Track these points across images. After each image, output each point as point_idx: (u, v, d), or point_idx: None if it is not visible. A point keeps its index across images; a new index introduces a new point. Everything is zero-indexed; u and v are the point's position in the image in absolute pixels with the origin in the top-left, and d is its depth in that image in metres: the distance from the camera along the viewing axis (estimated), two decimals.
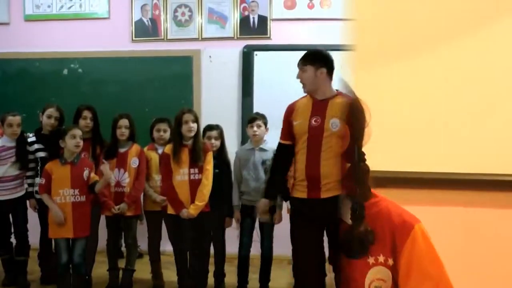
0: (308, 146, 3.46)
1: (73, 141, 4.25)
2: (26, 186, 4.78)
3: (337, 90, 3.54)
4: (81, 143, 4.32)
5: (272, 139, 4.64)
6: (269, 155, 4.55)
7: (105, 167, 4.35)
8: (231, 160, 4.81)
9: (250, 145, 4.71)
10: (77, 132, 4.32)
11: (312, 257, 3.55)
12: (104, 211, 4.66)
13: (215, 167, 4.55)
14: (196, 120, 4.39)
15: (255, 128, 4.61)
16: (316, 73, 3.48)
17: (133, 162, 4.67)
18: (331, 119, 3.40)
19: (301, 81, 3.54)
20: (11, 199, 4.67)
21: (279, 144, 3.72)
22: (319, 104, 3.49)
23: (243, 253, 4.65)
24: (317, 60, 3.51)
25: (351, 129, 3.24)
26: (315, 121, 3.45)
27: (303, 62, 3.53)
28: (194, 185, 4.33)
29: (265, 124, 4.64)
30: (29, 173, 4.75)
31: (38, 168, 4.69)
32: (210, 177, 4.37)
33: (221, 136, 4.74)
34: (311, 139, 3.45)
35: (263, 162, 4.59)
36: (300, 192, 3.52)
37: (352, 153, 3.16)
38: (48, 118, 4.72)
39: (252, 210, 4.60)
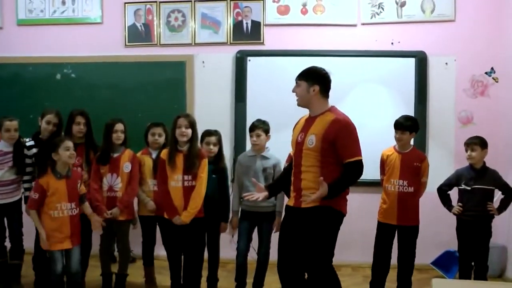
0: (294, 160, 3.69)
1: (67, 152, 4.23)
2: (22, 190, 4.78)
3: (330, 106, 3.67)
4: (75, 154, 4.32)
5: (267, 144, 4.68)
6: (270, 163, 4.58)
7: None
8: (228, 166, 4.84)
9: (252, 152, 4.72)
10: (70, 144, 4.29)
11: (288, 264, 3.70)
12: None
13: (212, 173, 4.57)
14: (191, 126, 4.36)
15: (254, 138, 4.62)
16: (309, 89, 3.61)
17: (126, 167, 4.67)
18: (310, 136, 3.56)
19: (295, 95, 3.68)
20: (6, 203, 4.68)
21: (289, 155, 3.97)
22: (309, 121, 3.67)
23: (239, 260, 4.65)
24: (311, 77, 3.64)
25: (335, 144, 3.47)
26: (300, 137, 3.64)
27: (298, 77, 3.67)
28: (188, 191, 4.33)
29: (266, 131, 4.63)
30: (26, 177, 4.74)
31: (36, 172, 4.70)
32: (203, 184, 4.36)
33: (219, 142, 4.75)
34: (295, 154, 3.68)
35: (264, 170, 4.60)
36: (290, 201, 3.73)
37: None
38: (47, 124, 4.72)
39: (250, 215, 4.63)
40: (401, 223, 4.56)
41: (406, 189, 4.56)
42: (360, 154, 3.53)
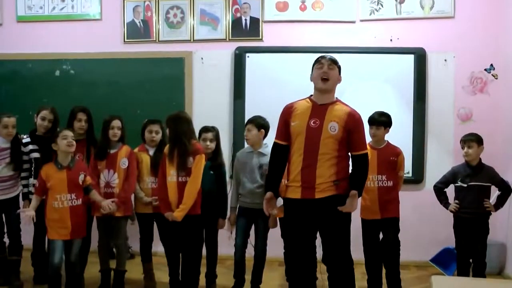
0: (305, 147, 3.57)
1: (64, 141, 4.26)
2: (21, 187, 4.79)
3: (336, 98, 3.70)
4: (74, 143, 4.33)
5: (265, 141, 4.67)
6: (266, 160, 4.53)
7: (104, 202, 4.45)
8: (226, 162, 4.84)
9: (250, 148, 4.71)
10: (68, 133, 4.33)
11: (304, 258, 3.64)
12: (94, 212, 4.65)
13: (210, 169, 4.56)
14: (167, 124, 4.41)
15: (245, 133, 4.64)
16: (339, 77, 3.68)
17: (123, 163, 4.66)
18: (330, 123, 3.53)
19: (326, 76, 3.61)
20: (4, 199, 4.68)
21: (275, 144, 3.80)
22: (318, 108, 3.62)
23: (237, 257, 4.63)
24: (340, 67, 3.70)
25: (351, 135, 3.52)
26: (313, 123, 3.57)
27: (334, 62, 3.67)
28: (182, 187, 4.31)
29: (259, 127, 4.60)
30: (23, 174, 4.76)
31: (32, 169, 4.71)
32: (195, 180, 4.32)
33: (216, 138, 4.74)
34: (308, 140, 3.56)
35: (260, 166, 4.58)
36: (294, 193, 3.61)
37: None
38: (42, 120, 4.73)
39: (247, 211, 4.61)
40: (384, 215, 4.53)
41: (385, 183, 4.54)
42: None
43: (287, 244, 3.82)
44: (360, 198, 4.62)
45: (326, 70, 3.60)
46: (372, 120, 4.60)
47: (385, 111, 4.68)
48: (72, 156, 4.38)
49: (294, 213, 3.66)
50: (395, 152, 4.63)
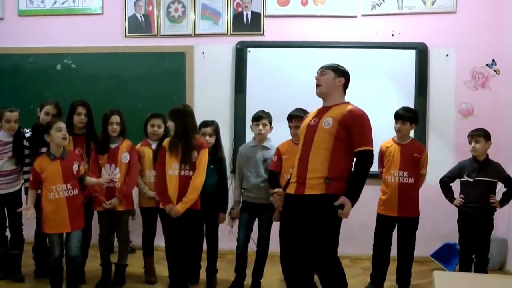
0: (303, 143, 3.65)
1: (59, 133, 4.22)
2: (23, 181, 4.80)
3: (346, 101, 3.71)
4: (67, 136, 4.30)
5: (268, 135, 4.68)
6: (270, 153, 4.57)
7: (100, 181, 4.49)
8: (227, 156, 4.85)
9: (253, 142, 4.72)
10: (62, 125, 4.29)
11: (291, 255, 3.65)
12: (95, 206, 4.66)
13: (209, 163, 4.54)
14: (171, 117, 4.40)
15: (260, 127, 4.62)
16: (335, 79, 3.68)
17: (124, 157, 4.67)
18: (326, 118, 3.57)
19: (317, 82, 3.70)
20: (6, 193, 4.69)
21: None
22: (323, 109, 3.69)
23: (239, 251, 4.65)
24: (338, 70, 3.72)
25: (350, 131, 3.50)
26: (313, 121, 3.64)
27: (326, 67, 3.73)
28: (184, 181, 4.30)
29: (270, 123, 4.65)
30: (26, 168, 4.75)
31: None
32: (201, 175, 4.32)
33: (216, 133, 4.74)
34: (306, 136, 3.64)
35: (264, 160, 4.61)
36: (290, 189, 3.67)
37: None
38: (45, 115, 4.73)
39: (251, 206, 4.62)
40: (402, 214, 4.56)
41: (406, 180, 4.56)
42: (372, 145, 3.57)
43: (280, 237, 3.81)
44: (379, 192, 4.72)
45: (317, 77, 3.70)
46: (398, 115, 4.62)
47: (386, 105, 4.68)
48: (64, 147, 4.35)
49: (286, 208, 3.72)
50: (419, 149, 4.66)
